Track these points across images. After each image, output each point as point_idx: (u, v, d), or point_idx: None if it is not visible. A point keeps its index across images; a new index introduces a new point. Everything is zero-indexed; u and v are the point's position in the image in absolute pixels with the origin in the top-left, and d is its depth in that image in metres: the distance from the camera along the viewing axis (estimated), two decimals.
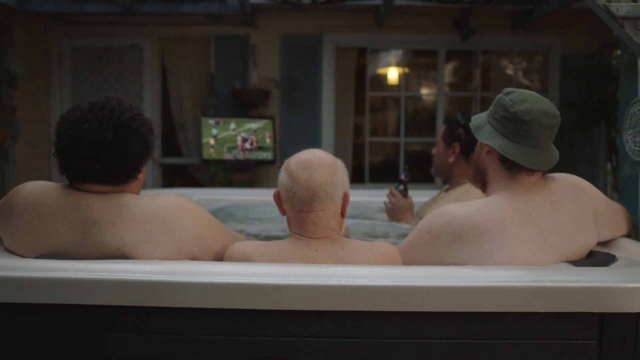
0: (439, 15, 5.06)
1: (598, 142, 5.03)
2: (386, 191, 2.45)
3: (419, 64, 6.13)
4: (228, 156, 4.99)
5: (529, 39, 5.01)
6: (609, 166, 5.04)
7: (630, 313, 1.27)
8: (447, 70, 5.85)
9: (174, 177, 5.22)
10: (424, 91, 6.24)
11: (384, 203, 2.40)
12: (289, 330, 1.27)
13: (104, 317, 1.28)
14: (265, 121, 5.03)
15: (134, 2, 4.72)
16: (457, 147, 2.31)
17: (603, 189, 4.83)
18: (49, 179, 5.03)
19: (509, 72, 5.57)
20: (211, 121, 4.98)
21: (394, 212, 2.35)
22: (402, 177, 2.39)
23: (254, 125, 5.01)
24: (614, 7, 1.72)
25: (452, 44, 5.27)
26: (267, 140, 5.01)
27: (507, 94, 1.57)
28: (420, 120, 6.16)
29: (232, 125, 4.98)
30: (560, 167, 4.88)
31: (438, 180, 4.87)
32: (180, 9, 4.78)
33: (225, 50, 5.15)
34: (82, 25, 5.09)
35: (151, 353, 1.28)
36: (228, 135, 4.97)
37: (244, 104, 5.06)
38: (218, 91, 5.16)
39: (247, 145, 5.01)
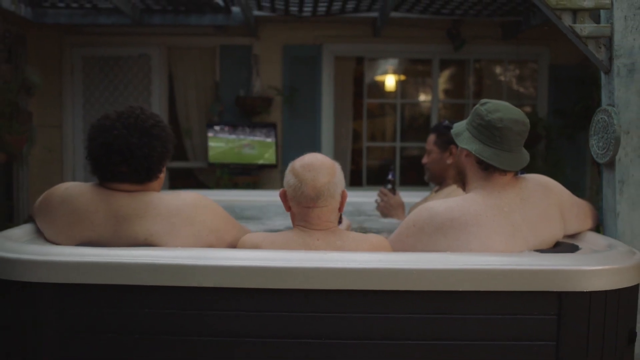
0: (433, 27, 5.19)
1: (584, 147, 5.19)
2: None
3: (415, 72, 6.29)
4: (233, 160, 5.16)
5: (518, 49, 5.14)
6: (595, 170, 5.25)
7: (584, 292, 1.46)
8: (441, 78, 6.02)
9: (180, 181, 5.35)
10: (420, 98, 6.45)
11: (376, 202, 2.61)
12: (294, 306, 1.45)
13: (136, 295, 1.45)
14: (269, 140, 5.15)
15: (143, 14, 4.86)
16: (453, 149, 2.45)
17: (590, 192, 5.02)
18: (62, 182, 5.21)
19: (500, 80, 5.71)
20: (217, 127, 5.15)
21: (387, 210, 2.55)
22: (389, 177, 2.60)
23: (257, 138, 5.19)
24: (578, 27, 1.95)
25: (445, 54, 5.40)
26: (266, 155, 5.18)
27: (483, 104, 1.78)
28: (417, 125, 6.37)
29: (237, 136, 5.17)
30: (549, 171, 5.12)
31: None
32: (187, 20, 4.91)
33: (230, 59, 5.25)
34: (93, 36, 5.22)
35: (175, 326, 1.46)
36: (234, 146, 5.17)
37: (248, 111, 5.17)
38: (223, 98, 5.27)
39: (250, 150, 5.20)
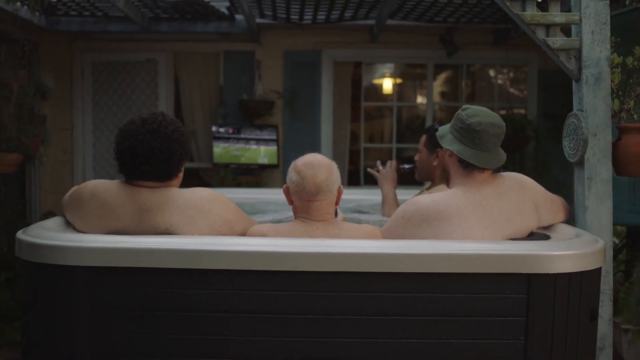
0: (427, 33, 5.33)
1: None
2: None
3: (410, 76, 6.49)
4: (236, 161, 5.33)
5: (508, 55, 5.27)
6: None
7: (550, 274, 1.61)
8: (437, 82, 6.22)
9: (186, 181, 5.54)
10: (415, 101, 6.66)
11: (380, 166, 2.79)
12: (297, 286, 1.59)
13: (158, 277, 1.59)
14: (270, 142, 5.33)
15: (151, 22, 5.01)
16: (439, 152, 2.59)
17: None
18: (72, 182, 5.42)
19: (492, 84, 5.85)
20: (221, 129, 5.32)
21: (382, 177, 2.75)
22: (409, 165, 2.81)
23: (259, 140, 5.38)
24: (550, 40, 2.16)
25: (439, 59, 5.53)
26: (267, 156, 5.36)
27: (464, 109, 1.99)
28: (413, 127, 6.58)
29: (240, 138, 5.36)
30: (537, 171, 5.31)
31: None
32: (193, 27, 5.05)
33: (233, 64, 5.39)
34: (102, 42, 5.35)
35: (192, 303, 1.59)
36: (237, 147, 5.37)
37: (250, 114, 5.31)
38: (226, 102, 5.39)
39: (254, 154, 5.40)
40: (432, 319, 1.62)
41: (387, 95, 6.28)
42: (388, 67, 6.21)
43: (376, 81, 6.36)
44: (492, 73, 5.92)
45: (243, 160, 5.33)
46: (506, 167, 2.30)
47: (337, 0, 4.50)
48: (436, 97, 6.19)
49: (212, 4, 4.59)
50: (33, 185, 5.10)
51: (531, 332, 1.62)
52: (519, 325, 1.63)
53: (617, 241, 4.45)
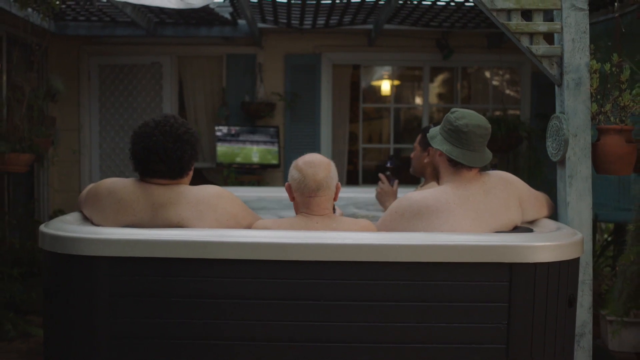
0: (423, 37, 5.46)
1: None
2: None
3: (407, 78, 6.66)
4: (239, 161, 5.50)
5: (502, 57, 5.40)
6: None
7: (530, 263, 1.72)
8: (432, 84, 6.38)
9: (191, 181, 5.65)
10: (412, 102, 6.80)
11: (376, 189, 2.87)
12: (298, 274, 1.70)
13: (172, 266, 1.71)
14: (272, 142, 5.46)
15: (157, 26, 5.15)
16: (431, 150, 2.83)
17: None
18: (79, 181, 5.56)
19: (487, 85, 5.99)
20: (224, 130, 5.45)
21: (380, 196, 2.84)
22: (388, 164, 2.94)
23: (261, 140, 5.53)
24: (534, 48, 2.30)
25: (435, 62, 5.66)
26: (269, 156, 5.53)
27: (452, 112, 2.13)
28: (410, 128, 6.73)
29: (242, 139, 5.52)
30: (530, 170, 5.48)
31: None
32: (197, 32, 5.19)
33: (236, 67, 5.51)
34: (109, 46, 5.49)
35: (203, 290, 1.70)
36: (240, 147, 5.52)
37: (252, 115, 5.44)
38: (229, 103, 5.48)
39: (255, 155, 5.55)
40: (422, 305, 1.73)
41: (385, 97, 6.42)
42: (386, 70, 6.35)
43: (374, 83, 6.50)
44: (487, 75, 6.04)
45: (245, 160, 5.46)
46: (495, 166, 2.44)
47: (336, 6, 4.64)
48: (433, 99, 6.34)
49: (215, 9, 4.73)
50: (42, 185, 5.23)
51: (513, 316, 1.74)
52: (502, 311, 1.74)
53: (607, 237, 4.60)
